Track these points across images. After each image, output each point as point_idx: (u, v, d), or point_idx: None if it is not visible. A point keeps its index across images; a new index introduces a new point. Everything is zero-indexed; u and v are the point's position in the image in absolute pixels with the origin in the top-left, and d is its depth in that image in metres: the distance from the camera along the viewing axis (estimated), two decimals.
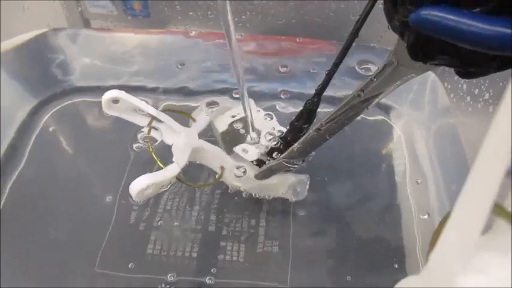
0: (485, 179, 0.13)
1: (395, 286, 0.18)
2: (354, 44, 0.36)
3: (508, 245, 0.14)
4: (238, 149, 0.45)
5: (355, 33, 0.35)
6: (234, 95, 0.57)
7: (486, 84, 0.44)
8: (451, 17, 0.21)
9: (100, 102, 0.42)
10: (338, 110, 0.35)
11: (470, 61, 0.24)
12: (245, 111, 0.42)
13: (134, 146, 0.52)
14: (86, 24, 0.68)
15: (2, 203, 0.48)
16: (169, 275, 0.43)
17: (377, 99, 0.34)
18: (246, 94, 0.41)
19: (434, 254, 0.15)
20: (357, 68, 0.56)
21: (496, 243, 0.14)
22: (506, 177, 0.13)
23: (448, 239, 0.14)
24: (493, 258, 0.14)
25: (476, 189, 0.13)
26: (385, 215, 0.49)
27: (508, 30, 0.19)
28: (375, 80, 0.32)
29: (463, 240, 0.14)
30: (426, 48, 0.25)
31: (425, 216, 0.48)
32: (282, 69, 0.60)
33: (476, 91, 0.45)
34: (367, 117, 0.57)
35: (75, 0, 0.64)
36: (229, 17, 0.34)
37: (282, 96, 0.58)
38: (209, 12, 0.59)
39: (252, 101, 0.47)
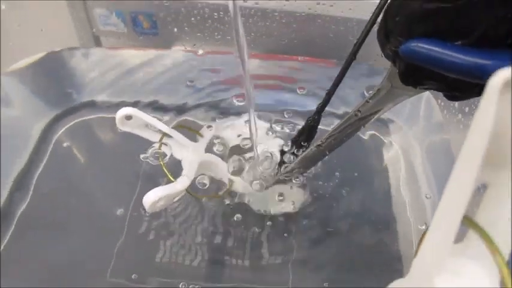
0: (456, 197, 0.15)
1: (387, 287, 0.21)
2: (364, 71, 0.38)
3: (477, 252, 0.16)
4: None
5: (352, 56, 0.38)
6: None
7: (476, 103, 0.46)
8: (436, 49, 0.24)
9: (112, 117, 0.44)
10: (337, 127, 0.38)
11: (455, 87, 0.26)
12: (251, 133, 0.44)
13: (144, 160, 0.54)
14: (97, 41, 0.70)
15: (18, 215, 0.50)
16: (180, 283, 0.45)
17: (373, 118, 0.36)
18: (253, 114, 0.43)
19: (416, 259, 0.17)
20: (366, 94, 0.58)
21: (467, 250, 0.17)
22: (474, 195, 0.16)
23: (427, 247, 0.17)
24: (465, 262, 0.17)
25: (449, 205, 0.16)
26: (384, 226, 0.51)
27: (486, 62, 0.22)
28: (371, 101, 0.35)
29: (439, 248, 0.16)
30: (415, 74, 0.27)
31: (424, 227, 0.50)
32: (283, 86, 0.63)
33: (467, 109, 0.47)
34: (365, 132, 0.59)
35: (87, 20, 0.67)
36: (239, 21, 0.36)
37: (286, 116, 0.60)
38: (216, 33, 0.62)
39: (262, 122, 0.49)
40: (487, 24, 0.22)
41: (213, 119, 0.59)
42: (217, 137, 0.49)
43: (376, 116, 0.36)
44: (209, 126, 0.50)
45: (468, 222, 0.16)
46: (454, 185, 0.15)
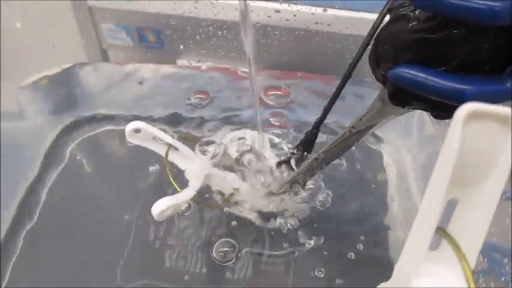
0: (429, 210, 0.18)
1: None
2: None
3: (449, 258, 0.19)
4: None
5: (348, 75, 0.40)
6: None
7: None
8: (420, 74, 0.26)
9: (120, 130, 0.46)
10: (333, 142, 0.40)
11: (439, 107, 0.29)
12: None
13: (151, 171, 0.56)
14: (104, 55, 0.73)
15: (30, 223, 0.52)
16: None
17: (366, 134, 0.39)
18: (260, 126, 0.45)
19: (398, 263, 0.20)
20: None
21: (441, 257, 0.19)
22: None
23: (406, 253, 0.19)
24: (438, 267, 0.19)
25: (424, 218, 0.18)
26: (377, 235, 0.53)
27: (463, 87, 0.25)
28: (364, 118, 0.37)
29: (416, 254, 0.19)
30: (403, 96, 0.30)
31: None
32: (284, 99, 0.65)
33: None
34: (360, 145, 0.58)
35: (95, 35, 0.69)
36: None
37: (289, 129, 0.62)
38: (220, 50, 0.64)
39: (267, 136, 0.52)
40: (466, 52, 0.24)
41: (217, 131, 0.61)
42: (223, 150, 0.51)
43: (369, 132, 0.38)
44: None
45: (441, 232, 0.19)
46: (427, 200, 0.18)
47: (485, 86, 0.25)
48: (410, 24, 0.26)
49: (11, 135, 0.56)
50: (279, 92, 0.65)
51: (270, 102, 0.64)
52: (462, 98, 0.24)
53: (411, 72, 0.27)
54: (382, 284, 0.22)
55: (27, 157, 0.58)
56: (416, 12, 0.26)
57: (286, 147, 0.53)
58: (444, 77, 0.25)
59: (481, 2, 0.21)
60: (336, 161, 0.43)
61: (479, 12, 0.21)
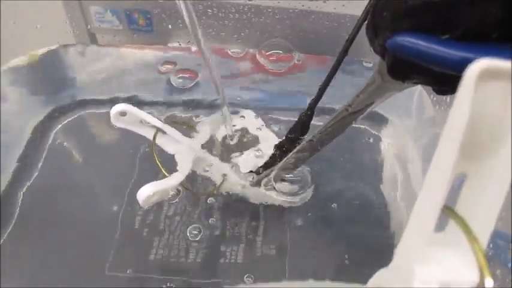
0: (435, 186, 0.16)
1: (370, 280, 0.21)
2: None
3: (457, 241, 0.17)
4: (235, 158, 0.48)
5: (344, 52, 0.38)
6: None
7: None
8: (423, 43, 0.24)
9: (106, 114, 0.44)
10: (328, 122, 0.38)
11: (442, 80, 0.26)
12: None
13: (139, 155, 0.55)
14: (92, 38, 0.71)
15: (12, 212, 0.51)
16: (173, 278, 0.46)
17: (364, 113, 0.37)
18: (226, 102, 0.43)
19: (398, 247, 0.18)
20: None
21: (448, 239, 0.17)
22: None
23: (407, 235, 0.17)
24: (445, 251, 0.17)
25: (428, 195, 0.16)
26: (377, 219, 0.52)
27: (470, 55, 0.22)
28: (361, 95, 0.35)
29: (419, 236, 0.16)
30: (403, 68, 0.28)
31: None
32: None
33: None
34: (357, 127, 0.59)
35: (83, 17, 0.67)
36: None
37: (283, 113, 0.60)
38: (210, 30, 0.62)
39: (253, 114, 0.50)
40: (472, 18, 0.22)
41: (208, 115, 0.58)
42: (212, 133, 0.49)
43: (367, 111, 0.37)
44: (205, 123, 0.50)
45: (448, 211, 0.17)
46: (433, 175, 0.16)
47: (492, 54, 0.22)
48: None
49: None
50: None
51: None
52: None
53: (412, 40, 0.24)
54: (382, 270, 0.20)
55: (9, 143, 0.55)
56: None
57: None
58: (448, 45, 0.23)
59: None
60: (330, 144, 0.41)
61: None
